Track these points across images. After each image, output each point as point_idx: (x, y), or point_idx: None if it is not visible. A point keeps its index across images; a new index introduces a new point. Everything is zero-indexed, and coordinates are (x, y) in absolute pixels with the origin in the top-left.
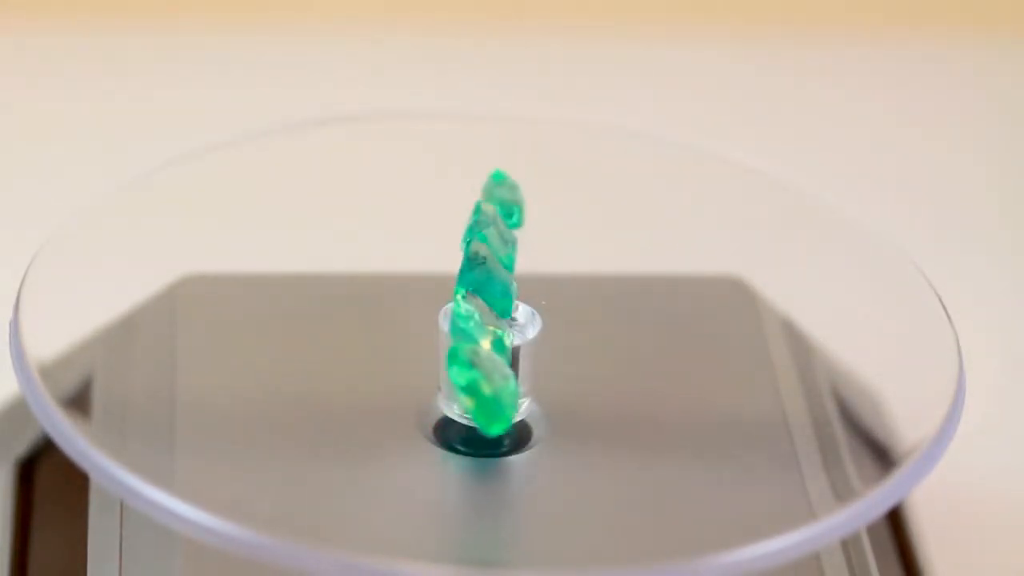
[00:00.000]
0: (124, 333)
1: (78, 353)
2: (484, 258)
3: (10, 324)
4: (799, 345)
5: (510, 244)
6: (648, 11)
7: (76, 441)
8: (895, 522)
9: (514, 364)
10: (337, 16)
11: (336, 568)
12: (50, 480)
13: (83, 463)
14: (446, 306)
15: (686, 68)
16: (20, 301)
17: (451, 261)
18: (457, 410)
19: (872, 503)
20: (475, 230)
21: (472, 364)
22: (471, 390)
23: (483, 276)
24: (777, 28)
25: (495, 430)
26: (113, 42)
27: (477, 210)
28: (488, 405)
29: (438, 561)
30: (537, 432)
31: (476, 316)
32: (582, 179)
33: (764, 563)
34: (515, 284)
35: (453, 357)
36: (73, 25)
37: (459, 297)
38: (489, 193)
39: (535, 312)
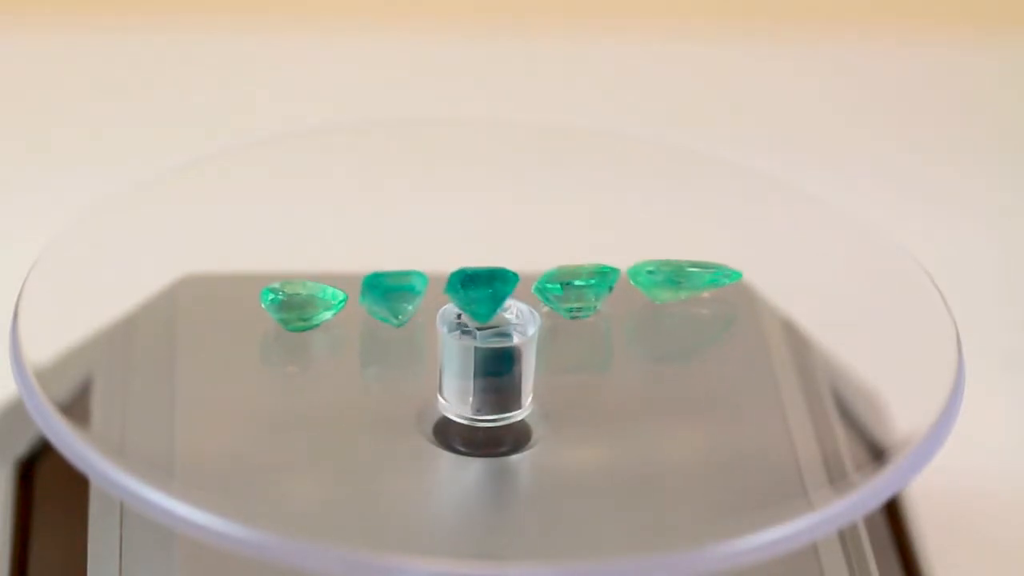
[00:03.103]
0: (124, 334)
1: (78, 354)
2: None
3: (10, 328)
4: (799, 345)
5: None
6: (648, 11)
7: (73, 444)
8: (894, 521)
9: (514, 363)
10: (336, 20)
11: (338, 565)
12: (50, 480)
13: (81, 466)
14: (445, 306)
15: (685, 68)
16: (20, 303)
17: (449, 262)
18: (456, 411)
19: (869, 494)
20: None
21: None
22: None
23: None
24: (777, 27)
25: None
26: (113, 45)
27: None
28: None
29: (439, 558)
30: (537, 432)
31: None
32: (582, 180)
33: (762, 554)
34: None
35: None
36: (72, 27)
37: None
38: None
39: (534, 312)
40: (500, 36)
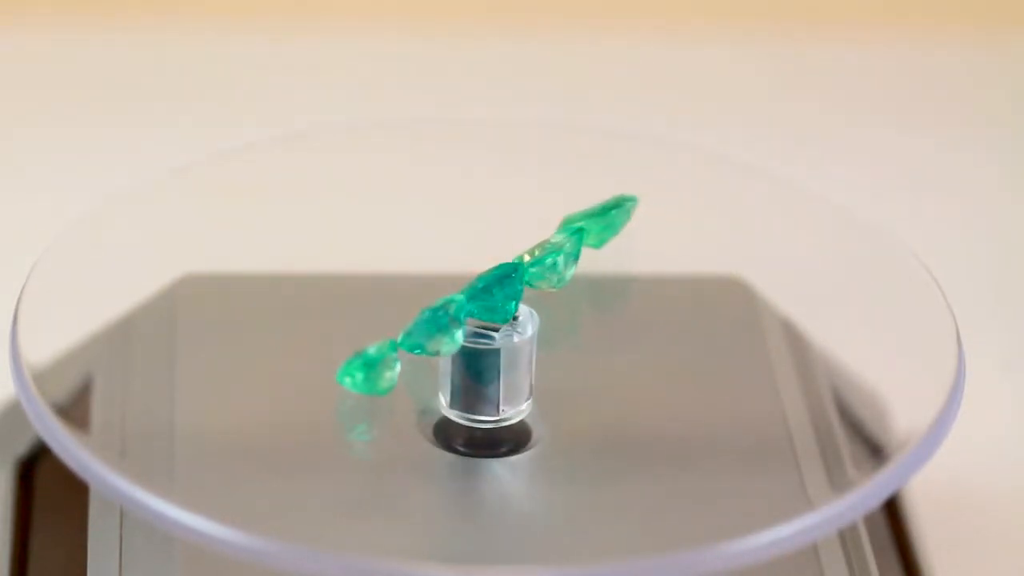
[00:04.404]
0: (124, 334)
1: (78, 354)
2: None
3: (10, 330)
4: (799, 345)
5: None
6: (648, 11)
7: (72, 450)
8: (894, 521)
9: (514, 363)
10: (336, 20)
11: (339, 570)
12: (50, 480)
13: (79, 471)
14: None
15: (685, 68)
16: (20, 303)
17: (449, 262)
18: (455, 412)
19: (869, 494)
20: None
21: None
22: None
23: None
24: (777, 27)
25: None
26: (113, 45)
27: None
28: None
29: (439, 561)
30: (537, 432)
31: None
32: (581, 180)
33: (762, 554)
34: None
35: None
36: (72, 27)
37: None
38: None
39: (533, 312)
40: (500, 36)
